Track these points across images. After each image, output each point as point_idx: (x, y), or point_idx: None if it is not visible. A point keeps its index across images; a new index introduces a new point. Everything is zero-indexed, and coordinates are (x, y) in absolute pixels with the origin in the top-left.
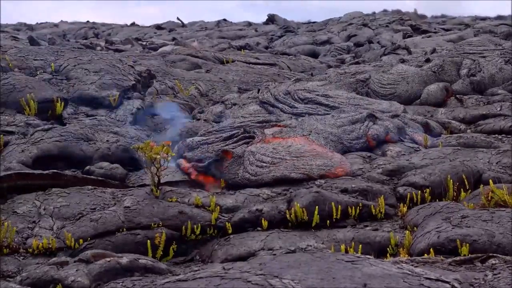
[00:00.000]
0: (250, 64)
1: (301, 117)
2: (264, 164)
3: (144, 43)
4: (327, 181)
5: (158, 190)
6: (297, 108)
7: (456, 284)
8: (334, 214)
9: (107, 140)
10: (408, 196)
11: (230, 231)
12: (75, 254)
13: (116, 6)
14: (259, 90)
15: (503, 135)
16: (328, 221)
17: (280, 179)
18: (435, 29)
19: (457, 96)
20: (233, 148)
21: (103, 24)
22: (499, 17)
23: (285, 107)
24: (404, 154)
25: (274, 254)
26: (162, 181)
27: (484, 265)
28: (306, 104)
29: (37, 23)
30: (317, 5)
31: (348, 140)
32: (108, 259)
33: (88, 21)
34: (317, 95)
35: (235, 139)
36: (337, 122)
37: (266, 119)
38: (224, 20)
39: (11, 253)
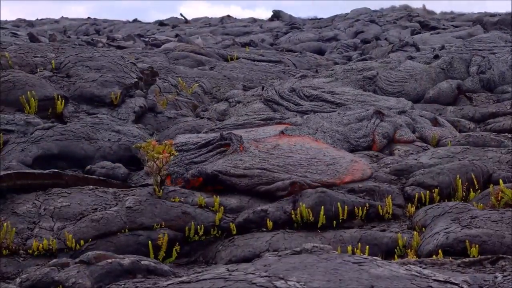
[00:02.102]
0: (255, 61)
1: (307, 115)
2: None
3: (147, 39)
4: None
5: (161, 190)
6: (302, 105)
7: (465, 286)
8: (341, 215)
9: (109, 139)
10: (416, 196)
11: (234, 232)
12: (76, 255)
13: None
14: (263, 87)
15: None
16: (334, 222)
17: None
18: (444, 25)
19: (467, 94)
20: (205, 160)
21: (105, 21)
22: (509, 14)
23: (290, 104)
24: (412, 153)
25: (279, 256)
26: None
27: (493, 266)
28: (311, 102)
29: (37, 19)
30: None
31: (355, 138)
32: (109, 260)
33: (89, 18)
34: (323, 92)
35: (210, 147)
36: (343, 119)
37: (270, 117)
38: (228, 16)
39: (10, 254)
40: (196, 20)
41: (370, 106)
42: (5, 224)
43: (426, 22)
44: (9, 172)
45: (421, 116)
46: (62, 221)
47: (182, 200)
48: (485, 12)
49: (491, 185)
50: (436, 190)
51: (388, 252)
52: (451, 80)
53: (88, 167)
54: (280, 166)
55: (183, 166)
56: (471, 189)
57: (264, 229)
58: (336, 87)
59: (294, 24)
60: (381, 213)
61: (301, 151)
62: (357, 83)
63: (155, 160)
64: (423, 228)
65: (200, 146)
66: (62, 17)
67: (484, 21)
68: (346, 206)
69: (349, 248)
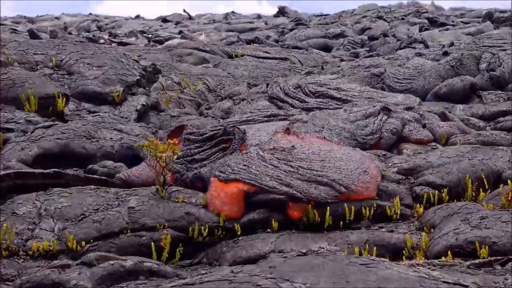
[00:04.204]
0: (260, 59)
1: (312, 112)
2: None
3: (150, 36)
4: None
5: (164, 190)
6: (307, 102)
7: None
8: (347, 215)
9: (111, 138)
10: (425, 196)
11: (239, 233)
12: (77, 256)
13: None
14: (267, 84)
15: None
16: (341, 223)
17: None
18: (453, 21)
19: (477, 92)
20: (206, 158)
21: (107, 17)
22: None
23: (295, 101)
24: (420, 152)
25: (285, 257)
26: None
27: (504, 268)
28: (317, 98)
29: (37, 16)
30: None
31: (362, 136)
32: (111, 262)
33: (90, 14)
34: (329, 88)
35: (213, 142)
36: (350, 116)
37: (274, 113)
38: (233, 12)
39: (10, 255)
40: (199, 16)
41: (377, 103)
42: (5, 224)
43: (435, 19)
44: (8, 171)
45: (429, 112)
46: (63, 221)
47: (185, 200)
48: (495, 8)
49: (501, 185)
50: (445, 190)
51: (396, 253)
52: (464, 77)
53: (90, 166)
54: (276, 177)
55: (184, 164)
56: (480, 189)
57: (270, 230)
58: (343, 83)
59: (300, 20)
60: (389, 214)
61: (315, 155)
62: (364, 80)
63: (158, 159)
64: (432, 229)
65: (205, 138)
66: (63, 13)
67: (494, 18)
68: (353, 207)
69: (356, 249)
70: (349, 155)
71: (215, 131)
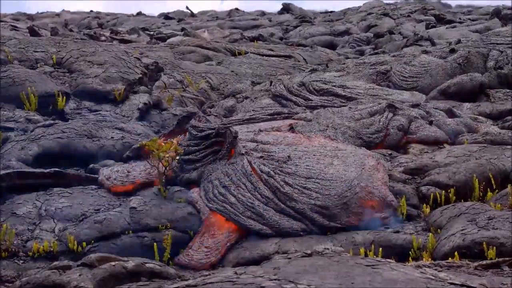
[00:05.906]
0: (264, 56)
1: (316, 110)
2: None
3: (152, 33)
4: None
5: (166, 190)
6: (311, 100)
7: None
8: None
9: (112, 137)
10: (432, 196)
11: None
12: (78, 257)
13: None
14: (271, 82)
15: None
16: None
17: None
18: (460, 19)
19: (484, 90)
20: (200, 159)
21: (108, 14)
22: None
23: (299, 99)
24: (427, 152)
25: (289, 258)
26: None
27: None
28: (321, 96)
29: (37, 13)
30: None
31: (367, 134)
32: (113, 263)
33: (91, 11)
34: (334, 86)
35: (207, 143)
36: (355, 114)
37: (277, 111)
38: (236, 9)
39: (10, 256)
40: (202, 13)
41: (383, 100)
42: (5, 225)
43: (441, 16)
44: (8, 171)
45: (435, 108)
46: (64, 222)
47: (187, 200)
48: (502, 5)
49: (509, 185)
50: (452, 190)
51: (402, 254)
52: (474, 76)
53: (91, 166)
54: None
55: (180, 164)
56: (488, 189)
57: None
58: (348, 81)
59: (304, 18)
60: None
61: (305, 170)
62: (369, 78)
63: (161, 159)
64: (439, 230)
65: (202, 136)
66: (64, 10)
67: (502, 15)
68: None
69: (362, 250)
70: (344, 173)
71: (210, 132)
